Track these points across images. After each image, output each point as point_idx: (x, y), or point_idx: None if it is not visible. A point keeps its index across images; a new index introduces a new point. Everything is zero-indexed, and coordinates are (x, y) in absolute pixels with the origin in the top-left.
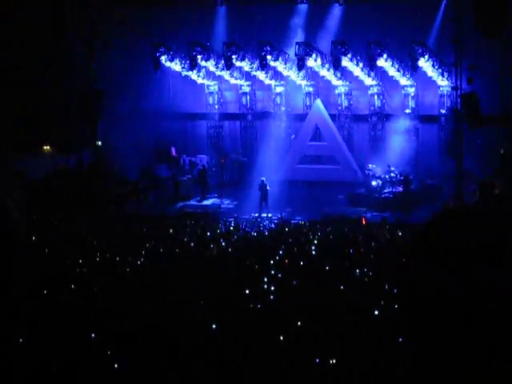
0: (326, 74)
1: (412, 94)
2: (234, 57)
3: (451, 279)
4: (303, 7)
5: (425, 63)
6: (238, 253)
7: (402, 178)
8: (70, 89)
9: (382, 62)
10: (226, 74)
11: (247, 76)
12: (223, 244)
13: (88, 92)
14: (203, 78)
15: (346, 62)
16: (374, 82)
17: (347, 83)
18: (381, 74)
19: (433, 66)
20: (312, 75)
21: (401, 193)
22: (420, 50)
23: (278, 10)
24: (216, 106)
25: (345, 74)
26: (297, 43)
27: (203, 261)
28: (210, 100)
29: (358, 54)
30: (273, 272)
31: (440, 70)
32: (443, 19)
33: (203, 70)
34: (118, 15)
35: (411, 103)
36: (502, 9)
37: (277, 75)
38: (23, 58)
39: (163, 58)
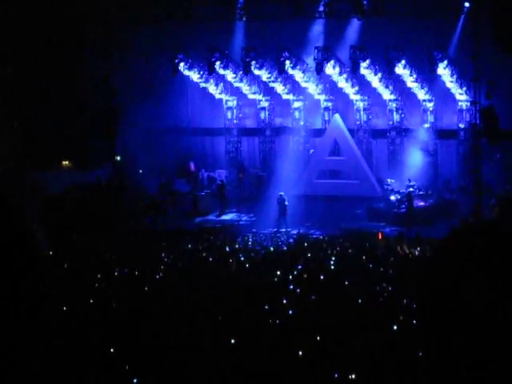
0: (344, 85)
1: (431, 109)
2: (252, 63)
3: (470, 295)
4: (321, 22)
5: (443, 70)
6: (256, 268)
7: (405, 195)
8: (89, 103)
9: (401, 70)
10: (244, 87)
11: (265, 91)
12: (242, 259)
13: (107, 107)
14: (221, 93)
15: (364, 70)
16: (392, 97)
17: (366, 98)
18: (399, 89)
19: (451, 75)
20: (330, 90)
21: (405, 210)
22: (439, 56)
23: (296, 24)
24: (235, 121)
25: (363, 88)
26: (315, 47)
27: (222, 275)
28: (229, 115)
29: (377, 62)
30: (291, 287)
31: (459, 82)
32: (462, 34)
33: (221, 84)
34: None
35: (430, 118)
36: None
37: (295, 89)
38: (43, 72)
39: (182, 66)
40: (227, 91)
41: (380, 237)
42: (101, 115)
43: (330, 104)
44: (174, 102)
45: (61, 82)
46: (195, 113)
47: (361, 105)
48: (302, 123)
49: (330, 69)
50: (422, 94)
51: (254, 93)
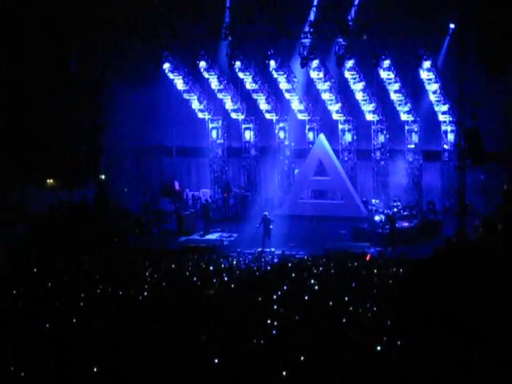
0: (327, 96)
1: (415, 130)
2: (237, 64)
3: (453, 315)
4: (307, 41)
5: (427, 74)
6: (240, 288)
7: (386, 216)
8: (74, 123)
9: (385, 75)
10: (228, 102)
11: (249, 109)
12: (226, 279)
13: (91, 126)
14: (205, 110)
15: (348, 73)
16: (376, 118)
17: (350, 118)
18: (382, 107)
19: (435, 81)
20: (315, 110)
21: (388, 231)
22: (424, 54)
23: (281, 44)
24: (219, 141)
25: (347, 108)
26: (301, 43)
27: (206, 295)
28: (214, 134)
29: (362, 69)
30: (275, 307)
31: (442, 97)
32: (447, 54)
33: (204, 102)
34: None
35: (414, 138)
36: (505, 46)
37: (279, 108)
38: (28, 91)
39: (166, 68)
40: (210, 109)
41: (368, 258)
42: (85, 134)
43: (314, 124)
44: (159, 122)
45: (47, 100)
46: (180, 132)
47: (346, 126)
48: (286, 143)
49: (315, 74)
50: (405, 115)
51: (237, 110)
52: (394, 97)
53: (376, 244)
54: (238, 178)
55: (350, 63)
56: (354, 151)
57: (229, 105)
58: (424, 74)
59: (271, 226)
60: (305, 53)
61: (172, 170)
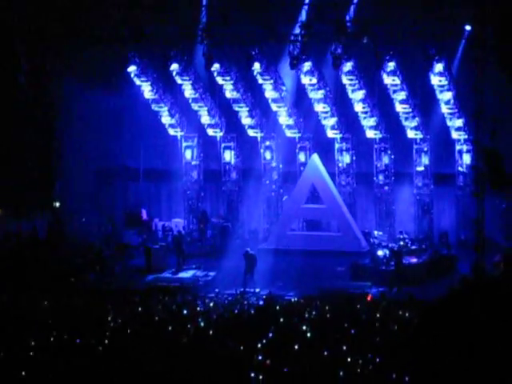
0: (321, 108)
1: (425, 149)
2: (216, 66)
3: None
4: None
5: (438, 80)
6: (219, 335)
7: (394, 250)
8: (24, 142)
9: (390, 80)
10: (203, 114)
11: (228, 125)
12: (202, 324)
13: (44, 145)
14: (176, 126)
15: (345, 78)
16: (378, 134)
17: (349, 136)
18: (389, 126)
19: (449, 88)
20: (306, 126)
21: (394, 267)
22: (435, 53)
23: (268, 46)
24: (194, 162)
25: (345, 123)
26: (290, 41)
27: (178, 344)
28: (188, 155)
29: (363, 75)
30: (260, 357)
31: (456, 111)
32: (461, 62)
33: (177, 115)
34: None
35: (424, 159)
36: None
37: (266, 125)
38: None
39: (132, 72)
40: (183, 125)
41: (369, 299)
42: (38, 154)
43: (306, 143)
44: (124, 141)
45: None
46: (149, 153)
47: (344, 145)
48: (273, 165)
49: (306, 79)
50: (412, 132)
51: (215, 125)
52: (399, 108)
53: (379, 283)
54: (216, 205)
55: (348, 66)
56: (353, 174)
57: (205, 119)
58: (435, 80)
59: (255, 263)
60: (295, 52)
61: (138, 197)
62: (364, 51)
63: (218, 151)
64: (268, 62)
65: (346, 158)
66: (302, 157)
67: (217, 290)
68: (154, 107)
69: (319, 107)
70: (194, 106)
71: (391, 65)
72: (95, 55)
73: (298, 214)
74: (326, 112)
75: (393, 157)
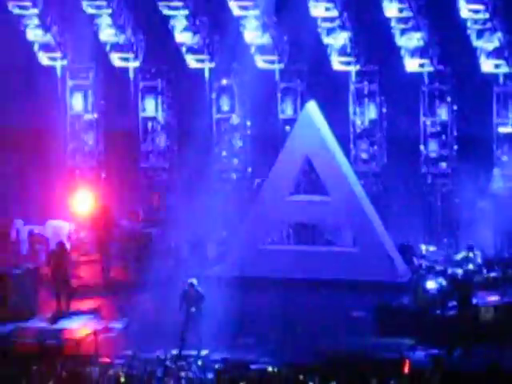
0: (321, 12)
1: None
2: None
3: None
4: None
5: None
6: None
7: (451, 282)
8: None
9: None
10: (103, 24)
11: (155, 52)
12: None
13: None
14: (58, 47)
15: None
16: (428, 67)
17: (375, 69)
18: (447, 52)
19: None
20: (296, 51)
21: (458, 312)
22: None
23: None
24: (87, 117)
25: (368, 45)
26: None
27: None
28: (77, 104)
29: None
30: None
31: None
32: None
33: (55, 27)
34: None
35: None
36: None
37: (222, 49)
38: None
39: None
40: (65, 48)
41: (407, 368)
42: None
43: (298, 85)
44: None
45: None
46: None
47: (364, 85)
48: (235, 122)
49: None
50: (489, 64)
51: (127, 47)
52: (465, 13)
53: (428, 341)
54: (129, 196)
55: None
56: (383, 140)
57: (108, 34)
58: None
59: (201, 305)
60: None
61: None
62: None
63: (132, 97)
64: None
65: (369, 111)
66: (287, 108)
67: (130, 353)
68: (13, 9)
69: (318, 10)
70: (88, 9)
71: None
72: None
73: (280, 212)
74: (332, 20)
75: (456, 107)
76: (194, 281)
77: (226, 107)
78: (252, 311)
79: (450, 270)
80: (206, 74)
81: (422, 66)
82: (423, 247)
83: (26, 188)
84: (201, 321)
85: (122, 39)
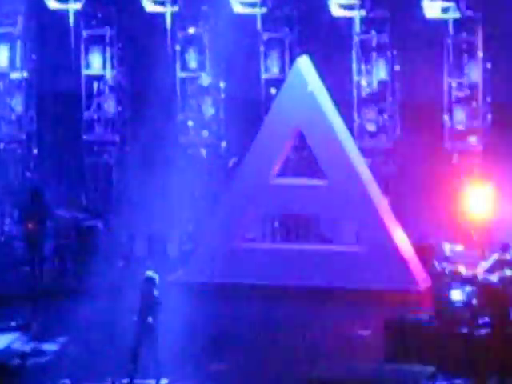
0: None
1: None
2: None
3: None
4: None
5: None
6: None
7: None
8: None
9: None
10: None
11: None
12: None
13: None
14: None
15: None
16: (454, 13)
17: (386, 15)
18: None
19: None
20: None
21: (487, 331)
22: None
23: None
24: (15, 75)
25: None
26: None
27: None
28: (2, 58)
29: None
30: None
31: None
32: None
33: None
34: None
35: None
36: None
37: None
38: None
39: None
40: None
41: None
42: None
43: (286, 31)
44: None
45: None
46: None
47: (372, 36)
48: (204, 82)
49: None
50: None
51: None
52: None
53: (452, 368)
54: (67, 180)
55: None
56: (395, 107)
57: None
58: None
59: (156, 319)
60: None
61: None
62: None
63: (72, 50)
64: None
65: (378, 70)
66: (272, 65)
67: (66, 383)
68: None
69: None
70: None
71: None
72: None
73: (262, 201)
74: None
75: (489, 65)
76: (154, 275)
77: (193, 64)
78: (225, 328)
79: (480, 277)
80: (168, 21)
81: (445, 10)
82: (447, 246)
83: None
84: (157, 332)
85: None
